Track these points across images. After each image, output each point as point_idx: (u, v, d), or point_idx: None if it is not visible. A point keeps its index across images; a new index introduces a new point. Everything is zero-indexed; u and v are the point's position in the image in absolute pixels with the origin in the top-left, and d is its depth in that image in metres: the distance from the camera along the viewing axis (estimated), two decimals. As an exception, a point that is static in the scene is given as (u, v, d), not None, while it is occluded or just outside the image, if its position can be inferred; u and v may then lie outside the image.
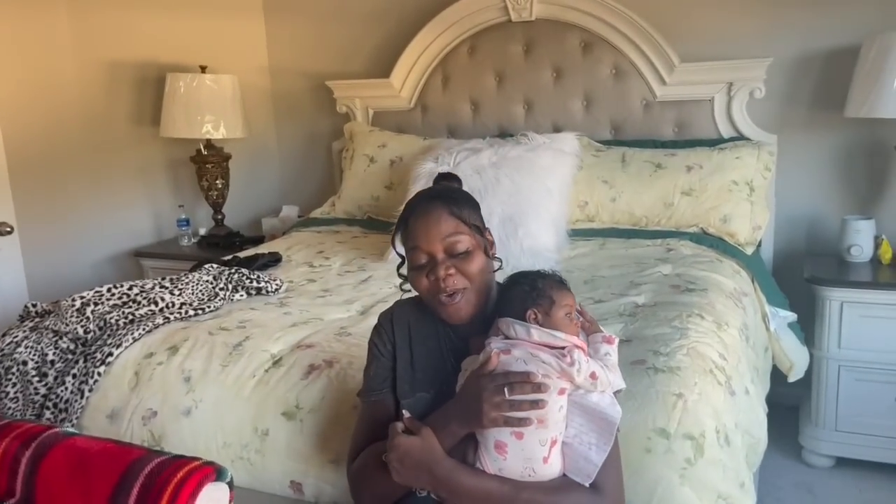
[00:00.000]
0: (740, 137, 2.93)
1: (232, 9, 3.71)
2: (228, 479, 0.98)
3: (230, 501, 1.00)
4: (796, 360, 2.49)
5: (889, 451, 2.57)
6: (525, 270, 1.37)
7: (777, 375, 2.49)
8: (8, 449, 1.03)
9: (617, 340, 1.33)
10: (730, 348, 1.85)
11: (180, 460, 0.97)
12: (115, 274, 3.52)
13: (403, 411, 1.30)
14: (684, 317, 1.90)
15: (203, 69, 3.47)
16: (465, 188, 1.48)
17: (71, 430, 1.07)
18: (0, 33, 3.06)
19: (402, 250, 1.39)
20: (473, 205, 1.39)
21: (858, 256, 2.69)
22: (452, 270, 1.31)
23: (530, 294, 1.30)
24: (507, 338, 1.28)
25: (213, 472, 0.96)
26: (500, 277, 1.43)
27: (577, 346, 1.26)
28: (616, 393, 1.29)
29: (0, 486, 1.01)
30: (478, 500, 1.22)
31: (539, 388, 1.18)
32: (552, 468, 1.22)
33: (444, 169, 2.62)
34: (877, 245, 2.71)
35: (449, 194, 1.37)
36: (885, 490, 2.55)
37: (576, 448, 1.22)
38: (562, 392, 1.21)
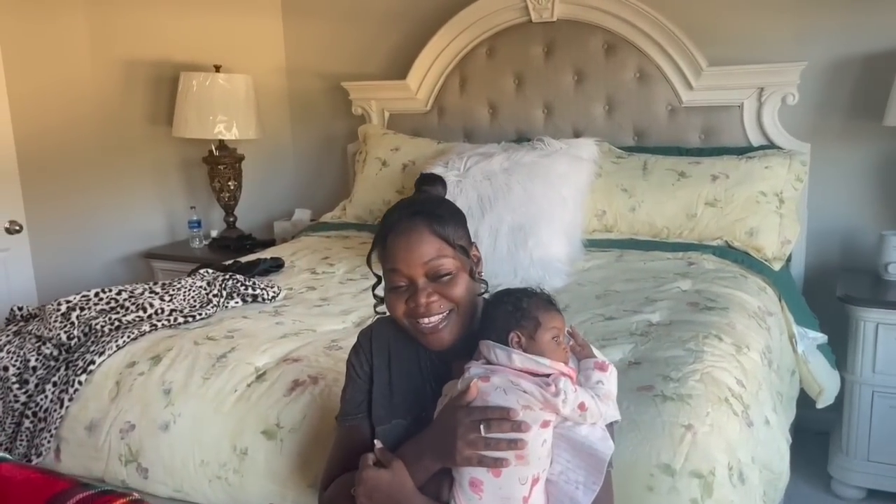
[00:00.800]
0: (771, 146, 2.77)
1: (250, 8, 3.65)
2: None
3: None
4: (826, 384, 2.33)
5: (925, 484, 2.40)
6: (511, 288, 1.25)
7: (805, 399, 2.33)
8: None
9: (612, 368, 1.19)
10: (749, 374, 1.70)
11: (105, 497, 0.87)
12: (125, 275, 3.46)
13: (375, 441, 1.19)
14: (700, 338, 1.76)
15: (217, 69, 3.40)
16: (452, 192, 1.36)
17: (1, 454, 0.98)
18: (17, 33, 3.03)
19: (378, 269, 1.27)
20: (458, 219, 1.27)
21: (896, 275, 2.52)
22: (435, 297, 1.19)
23: (514, 314, 1.18)
24: (488, 362, 1.16)
25: (141, 511, 0.85)
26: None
27: (564, 374, 1.13)
28: (611, 426, 1.16)
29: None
30: None
31: (519, 426, 1.06)
32: None
33: (458, 178, 2.51)
34: (917, 263, 2.53)
35: (432, 209, 1.24)
36: (919, 527, 2.37)
37: (561, 487, 1.10)
38: (545, 424, 1.09)
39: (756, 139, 2.80)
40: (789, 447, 1.77)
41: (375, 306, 1.32)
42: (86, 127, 3.30)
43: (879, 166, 2.73)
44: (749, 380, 1.68)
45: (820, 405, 2.37)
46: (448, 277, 1.20)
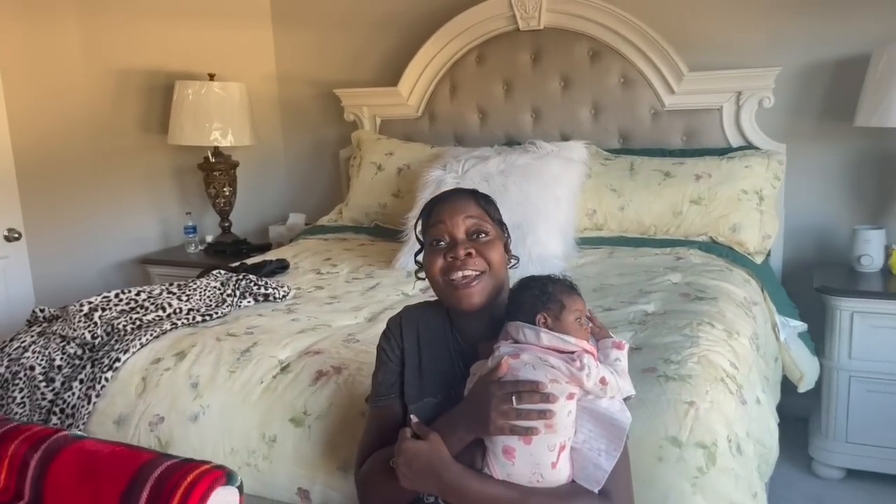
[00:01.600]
0: (749, 146, 2.92)
1: (240, 17, 3.73)
2: (238, 484, 0.97)
3: (240, 505, 0.98)
4: (807, 370, 2.47)
5: (901, 462, 2.55)
6: (535, 275, 1.36)
7: (785, 386, 2.47)
8: (16, 452, 1.03)
9: (627, 346, 1.32)
10: (741, 357, 1.83)
11: (190, 464, 0.97)
12: (121, 281, 3.52)
13: (411, 416, 1.29)
14: (695, 325, 1.88)
15: (211, 77, 3.48)
16: None
17: (80, 433, 1.07)
18: (11, 41, 3.08)
19: (421, 238, 1.41)
20: (498, 209, 1.43)
21: (869, 266, 2.68)
22: (472, 251, 1.32)
23: (540, 298, 1.29)
24: (516, 342, 1.27)
25: (224, 475, 0.95)
26: (511, 282, 1.42)
27: (587, 351, 1.24)
28: (626, 399, 1.28)
29: (9, 489, 1.00)
30: None
31: (548, 398, 1.17)
32: (560, 474, 1.20)
33: (456, 180, 2.61)
34: (888, 255, 2.69)
35: (477, 191, 1.42)
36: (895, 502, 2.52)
37: (585, 454, 1.21)
38: (571, 397, 1.20)
39: (735, 140, 2.95)
40: (777, 426, 1.90)
41: (417, 272, 1.44)
42: (81, 135, 3.36)
43: (851, 165, 2.89)
44: (741, 363, 1.81)
45: (801, 390, 2.51)
46: (486, 238, 1.34)
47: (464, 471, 1.22)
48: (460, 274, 1.32)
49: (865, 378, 2.56)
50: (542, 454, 1.19)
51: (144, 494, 0.93)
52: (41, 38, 3.19)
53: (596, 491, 1.19)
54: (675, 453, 1.41)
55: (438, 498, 1.29)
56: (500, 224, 1.39)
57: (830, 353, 2.60)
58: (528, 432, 1.17)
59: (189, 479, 0.93)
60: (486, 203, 1.38)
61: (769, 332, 2.34)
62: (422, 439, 1.25)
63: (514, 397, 1.18)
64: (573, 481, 1.21)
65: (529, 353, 1.24)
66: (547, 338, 1.24)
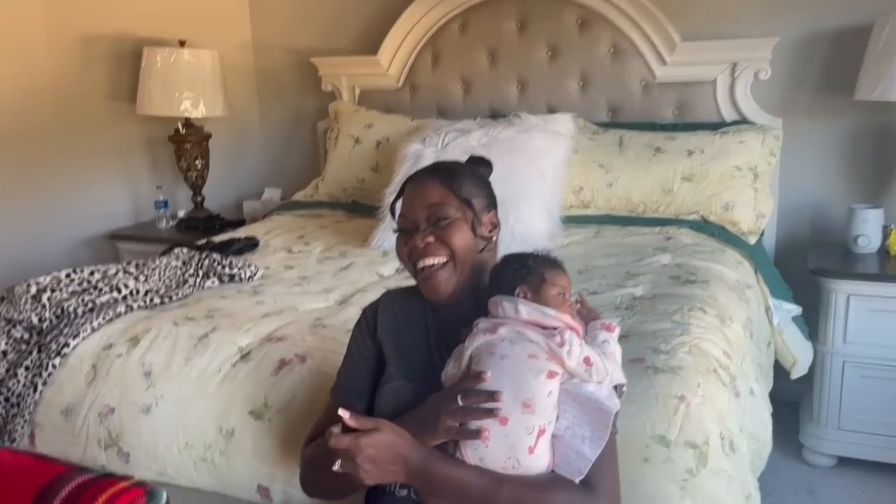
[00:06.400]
0: (743, 121, 2.79)
1: (213, -20, 3.55)
2: (163, 503, 0.84)
3: (167, 527, 0.86)
4: (800, 355, 2.38)
5: (894, 450, 2.46)
6: (517, 252, 1.26)
7: (776, 371, 2.37)
8: None
9: (618, 329, 1.21)
10: (734, 345, 1.72)
11: (105, 479, 0.84)
12: (90, 257, 3.36)
13: (340, 411, 1.13)
14: (685, 311, 1.77)
15: (182, 43, 3.30)
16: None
17: (-11, 439, 0.93)
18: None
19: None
20: (478, 183, 1.32)
21: (866, 247, 2.56)
22: (431, 238, 1.24)
23: (519, 272, 1.20)
24: (495, 317, 1.18)
25: (143, 494, 0.82)
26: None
27: (571, 328, 1.14)
28: (618, 389, 1.16)
29: None
30: (454, 492, 1.11)
31: (492, 396, 1.08)
32: (538, 461, 1.09)
33: (436, 154, 2.49)
34: (885, 235, 2.58)
35: (449, 167, 1.32)
36: (888, 492, 2.43)
37: (567, 441, 1.10)
38: (551, 375, 1.10)
39: (729, 114, 2.82)
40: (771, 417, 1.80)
41: None
42: (44, 105, 3.18)
43: (849, 141, 2.77)
44: (734, 351, 1.70)
45: (794, 376, 2.41)
46: (446, 222, 1.24)
47: (431, 454, 1.12)
48: (422, 263, 1.25)
49: (860, 363, 2.46)
50: (519, 437, 1.08)
51: (51, 516, 0.80)
52: (-1, 2, 3.00)
53: (577, 481, 1.08)
54: (662, 454, 1.30)
55: (411, 491, 1.19)
56: (468, 202, 1.26)
57: (824, 337, 2.50)
58: (476, 435, 1.08)
59: (102, 498, 0.80)
60: (450, 180, 1.27)
61: (762, 316, 2.24)
62: (361, 431, 1.12)
63: (458, 396, 1.09)
64: (553, 471, 1.10)
65: (507, 327, 1.14)
66: (526, 310, 1.15)
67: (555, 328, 1.13)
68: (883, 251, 2.58)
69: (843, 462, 2.55)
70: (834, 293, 2.45)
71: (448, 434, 1.10)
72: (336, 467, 1.12)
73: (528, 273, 1.20)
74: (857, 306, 2.43)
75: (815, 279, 2.50)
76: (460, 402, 1.09)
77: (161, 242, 3.15)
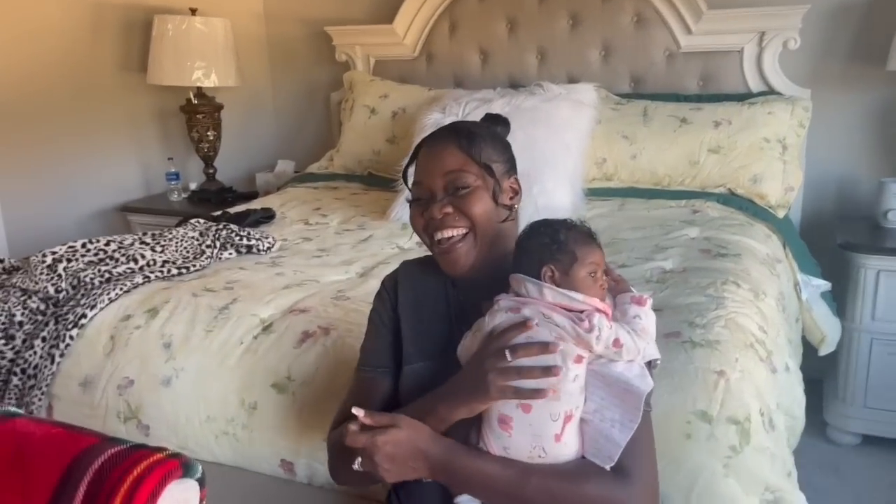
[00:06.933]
0: (770, 92, 2.71)
1: (224, -53, 3.46)
2: (198, 475, 0.80)
3: (202, 501, 0.82)
4: (829, 332, 2.32)
5: (921, 429, 2.42)
6: (549, 219, 1.16)
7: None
8: (-66, 433, 0.85)
9: (650, 302, 1.12)
10: (769, 320, 1.67)
11: (139, 451, 0.80)
12: (100, 230, 3.32)
13: (354, 410, 1.08)
14: (719, 284, 1.72)
15: (193, 11, 3.23)
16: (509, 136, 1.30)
17: (13, 410, 0.89)
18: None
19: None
20: (496, 143, 1.22)
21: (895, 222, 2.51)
22: (449, 209, 1.15)
23: (549, 247, 1.09)
24: (517, 296, 1.10)
25: (180, 466, 0.78)
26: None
27: (599, 311, 1.05)
28: (650, 365, 1.09)
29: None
30: (480, 486, 1.05)
31: (547, 347, 1.01)
32: (566, 448, 1.03)
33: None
34: (916, 210, 2.52)
35: (468, 129, 1.21)
36: (915, 470, 2.40)
37: (596, 426, 1.03)
38: (578, 360, 1.03)
39: (755, 85, 2.75)
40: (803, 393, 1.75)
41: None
42: (54, 74, 3.11)
43: (880, 112, 2.69)
44: (769, 326, 1.65)
45: (822, 352, 2.36)
46: (466, 191, 1.15)
47: (453, 446, 1.06)
48: (440, 234, 1.16)
49: (889, 341, 2.41)
50: (544, 424, 1.02)
51: (81, 489, 0.76)
52: (9, -32, 2.93)
53: (608, 468, 1.02)
54: (704, 430, 1.25)
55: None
56: (489, 168, 1.17)
57: (853, 313, 2.44)
58: (534, 395, 1.00)
59: (137, 470, 0.76)
60: (469, 144, 1.17)
61: (792, 291, 2.18)
62: (378, 428, 1.06)
63: (507, 352, 1.02)
64: (583, 458, 1.04)
65: (531, 308, 1.06)
66: (551, 294, 1.06)
67: (581, 311, 1.05)
68: (913, 226, 2.52)
69: (868, 440, 2.51)
70: (863, 269, 2.39)
71: (502, 394, 1.02)
72: (356, 466, 1.07)
73: (558, 249, 1.09)
74: (887, 282, 2.38)
75: (844, 254, 2.44)
76: (510, 359, 1.02)
77: (173, 215, 3.11)
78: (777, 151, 2.50)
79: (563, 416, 1.02)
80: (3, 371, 1.73)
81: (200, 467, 0.80)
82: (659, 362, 1.13)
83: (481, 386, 1.03)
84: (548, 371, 1.00)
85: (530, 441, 1.03)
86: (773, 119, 2.53)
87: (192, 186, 3.45)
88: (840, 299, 2.48)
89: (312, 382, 1.50)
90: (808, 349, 2.37)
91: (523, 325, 1.04)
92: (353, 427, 1.07)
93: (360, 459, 1.07)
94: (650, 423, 1.08)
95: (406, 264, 1.31)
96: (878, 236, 2.48)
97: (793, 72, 2.73)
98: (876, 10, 2.61)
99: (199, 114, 3.33)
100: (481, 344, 1.09)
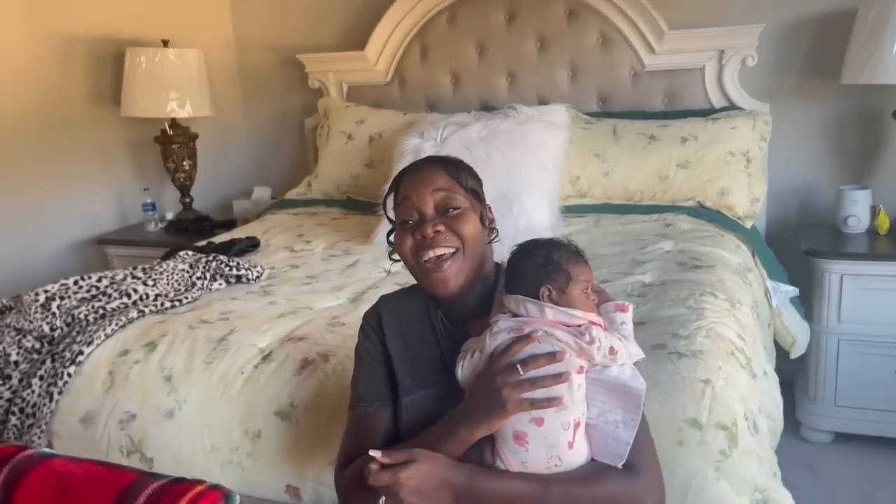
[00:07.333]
0: (732, 107, 2.83)
1: (193, -22, 3.50)
2: (238, 504, 0.84)
3: (240, 529, 0.86)
4: (799, 335, 2.42)
5: (890, 424, 2.52)
6: (538, 239, 1.23)
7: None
8: (-27, 477, 0.89)
9: (631, 308, 1.21)
10: (746, 328, 1.76)
11: (181, 484, 0.84)
12: (77, 263, 3.31)
13: (372, 452, 1.11)
14: (697, 296, 1.80)
15: (165, 43, 3.26)
16: None
17: (48, 451, 0.93)
18: (-59, 6, 2.82)
19: (392, 216, 1.28)
20: (474, 174, 1.29)
21: (855, 227, 2.63)
22: (441, 227, 1.20)
23: (544, 268, 1.17)
24: (515, 316, 1.16)
25: (221, 497, 0.83)
26: (498, 255, 1.31)
27: (595, 323, 1.14)
28: (636, 364, 1.18)
29: (-34, 521, 0.86)
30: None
31: (554, 356, 1.08)
32: (579, 454, 1.11)
33: (435, 148, 2.48)
34: (873, 215, 2.65)
35: (447, 158, 1.29)
36: (885, 465, 2.50)
37: (601, 428, 1.11)
38: (580, 371, 1.10)
39: (718, 101, 2.87)
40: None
41: (390, 253, 1.31)
42: (25, 109, 3.10)
43: (836, 124, 2.83)
44: (747, 334, 1.73)
45: (794, 355, 2.46)
46: (457, 212, 1.21)
47: (474, 470, 1.11)
48: (431, 254, 1.20)
49: (854, 341, 2.52)
50: (557, 435, 1.09)
51: (131, 524, 0.80)
52: (-27, 1, 2.93)
53: (619, 466, 1.10)
54: (695, 436, 1.32)
55: None
56: (475, 193, 1.25)
57: (819, 316, 2.55)
58: (550, 403, 1.07)
59: (183, 502, 0.80)
60: (456, 171, 1.24)
61: (763, 298, 2.28)
62: (398, 465, 1.10)
63: (518, 366, 1.08)
64: (593, 460, 1.12)
65: (532, 327, 1.13)
66: (552, 313, 1.14)
67: (579, 325, 1.13)
68: (872, 231, 2.65)
69: (840, 438, 2.62)
70: (827, 273, 2.51)
71: (519, 407, 1.07)
72: (381, 503, 1.10)
73: (553, 270, 1.16)
74: (850, 286, 2.49)
75: (809, 260, 2.55)
76: (522, 373, 1.07)
77: (150, 246, 3.12)
78: (742, 164, 2.61)
79: (572, 425, 1.09)
80: (2, 411, 1.74)
81: (238, 497, 0.85)
82: (643, 360, 1.20)
83: (497, 402, 1.08)
84: (558, 378, 1.07)
85: (546, 452, 1.10)
86: (736, 133, 2.65)
87: (169, 216, 3.46)
88: (807, 303, 2.60)
89: (315, 408, 1.54)
90: (780, 352, 2.47)
91: (527, 337, 1.10)
92: (374, 467, 1.09)
93: (384, 498, 1.10)
94: (645, 420, 1.16)
95: (385, 298, 1.35)
96: (840, 242, 2.60)
97: (752, 87, 2.85)
98: (828, 27, 2.74)
99: (174, 144, 3.35)
100: (486, 363, 1.14)
